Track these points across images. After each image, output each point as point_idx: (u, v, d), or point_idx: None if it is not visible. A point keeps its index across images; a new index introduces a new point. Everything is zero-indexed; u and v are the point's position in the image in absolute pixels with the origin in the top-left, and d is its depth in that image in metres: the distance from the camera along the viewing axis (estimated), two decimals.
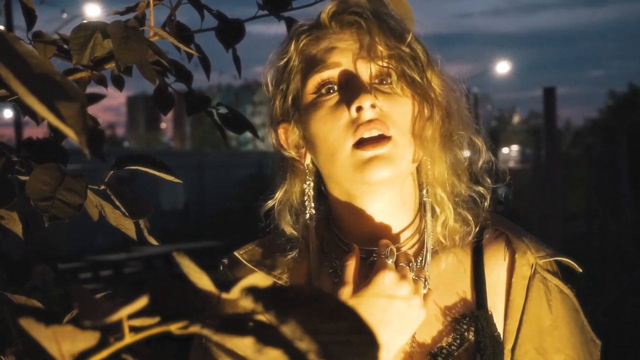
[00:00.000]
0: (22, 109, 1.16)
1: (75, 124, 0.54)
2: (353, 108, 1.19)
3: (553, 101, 6.17)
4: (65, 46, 1.23)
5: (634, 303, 8.24)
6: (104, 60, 1.19)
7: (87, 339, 0.50)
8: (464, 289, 1.27)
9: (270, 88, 1.34)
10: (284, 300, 0.48)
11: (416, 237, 1.29)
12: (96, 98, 1.35)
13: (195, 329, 0.50)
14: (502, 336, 1.23)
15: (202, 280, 0.55)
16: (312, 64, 1.25)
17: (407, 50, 1.25)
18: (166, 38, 1.16)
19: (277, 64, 1.31)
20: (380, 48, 1.23)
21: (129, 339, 0.52)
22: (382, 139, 1.19)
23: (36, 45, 1.17)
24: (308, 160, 1.31)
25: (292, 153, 1.32)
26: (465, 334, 1.23)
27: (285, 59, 1.29)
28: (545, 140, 6.69)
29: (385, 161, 1.19)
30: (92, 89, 1.34)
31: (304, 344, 0.44)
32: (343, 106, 1.21)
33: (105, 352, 0.51)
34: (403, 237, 1.28)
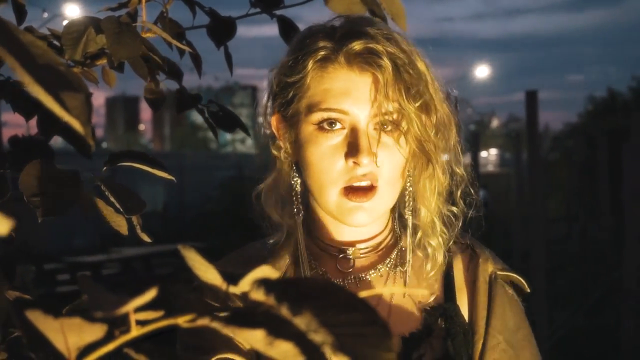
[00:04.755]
0: (12, 103, 1.15)
1: (81, 115, 0.53)
2: (351, 161, 1.24)
3: (535, 104, 6.20)
4: (55, 42, 1.22)
5: (614, 305, 8.29)
6: (95, 57, 1.18)
7: (94, 332, 0.49)
8: (434, 286, 1.37)
9: (274, 81, 1.34)
10: (296, 293, 0.48)
11: (389, 237, 1.39)
12: None
13: (204, 321, 0.50)
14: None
15: (209, 274, 0.54)
16: (322, 99, 1.27)
17: (416, 106, 1.26)
18: (159, 34, 1.15)
19: (288, 64, 1.30)
20: (391, 104, 1.24)
21: (135, 332, 0.51)
22: (368, 190, 1.26)
23: None
24: (294, 158, 1.34)
25: (282, 147, 1.35)
26: (436, 322, 1.32)
27: (300, 75, 1.28)
28: (527, 143, 6.72)
29: (366, 212, 1.27)
30: None
31: (319, 336, 0.44)
32: (342, 152, 1.26)
33: (112, 345, 0.50)
34: (378, 239, 1.37)
